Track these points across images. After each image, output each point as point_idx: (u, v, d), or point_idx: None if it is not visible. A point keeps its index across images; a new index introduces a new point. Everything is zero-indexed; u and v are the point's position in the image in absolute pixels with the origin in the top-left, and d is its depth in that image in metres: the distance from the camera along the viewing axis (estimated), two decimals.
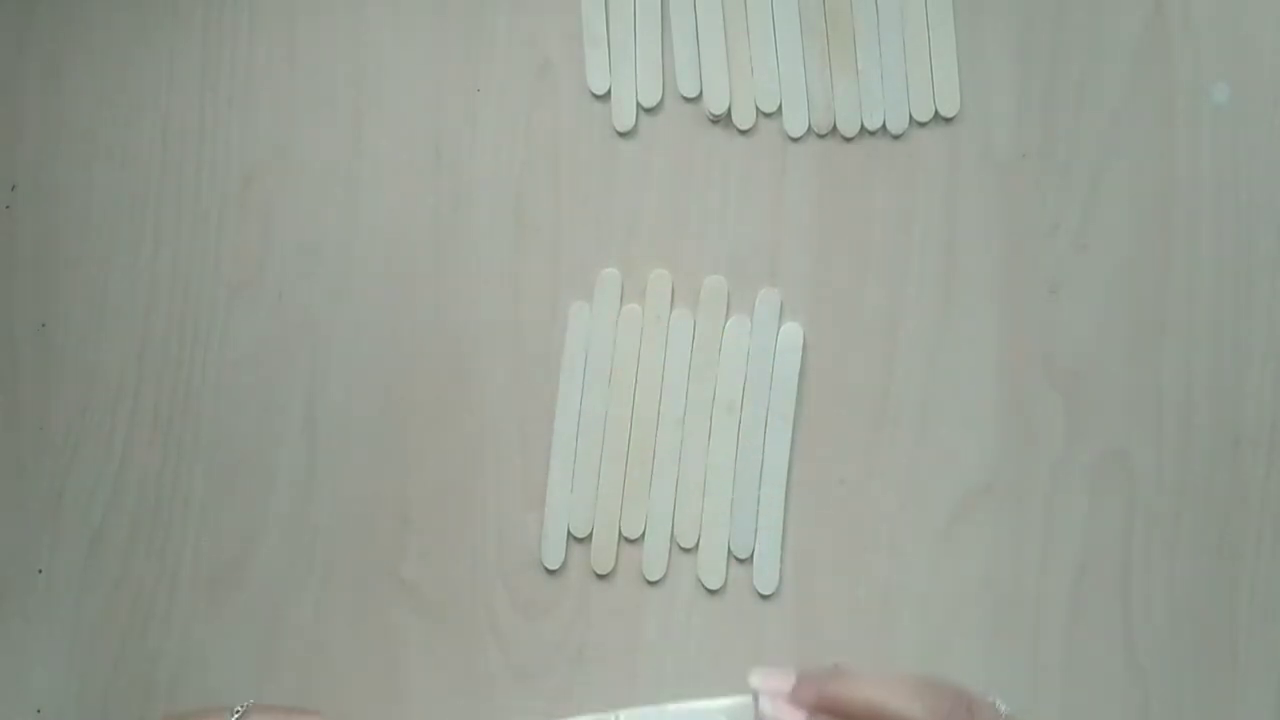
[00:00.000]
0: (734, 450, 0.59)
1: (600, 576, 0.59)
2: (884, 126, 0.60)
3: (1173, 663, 0.59)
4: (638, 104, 0.60)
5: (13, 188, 0.61)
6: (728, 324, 0.59)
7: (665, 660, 0.59)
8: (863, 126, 0.60)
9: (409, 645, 0.59)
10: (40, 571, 0.60)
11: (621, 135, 0.60)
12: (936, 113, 0.60)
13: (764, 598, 0.59)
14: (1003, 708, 0.48)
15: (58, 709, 0.59)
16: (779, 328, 0.59)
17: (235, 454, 0.60)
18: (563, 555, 0.59)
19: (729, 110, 0.60)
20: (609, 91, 0.60)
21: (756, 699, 0.47)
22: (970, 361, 0.60)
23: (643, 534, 0.59)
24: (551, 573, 0.59)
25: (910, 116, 0.60)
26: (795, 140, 0.60)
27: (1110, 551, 0.59)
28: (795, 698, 0.47)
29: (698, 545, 0.59)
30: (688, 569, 0.59)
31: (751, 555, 0.59)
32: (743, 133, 0.60)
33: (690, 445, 0.59)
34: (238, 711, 0.50)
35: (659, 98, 0.60)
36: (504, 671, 0.59)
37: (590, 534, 0.59)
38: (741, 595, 0.59)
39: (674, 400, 0.59)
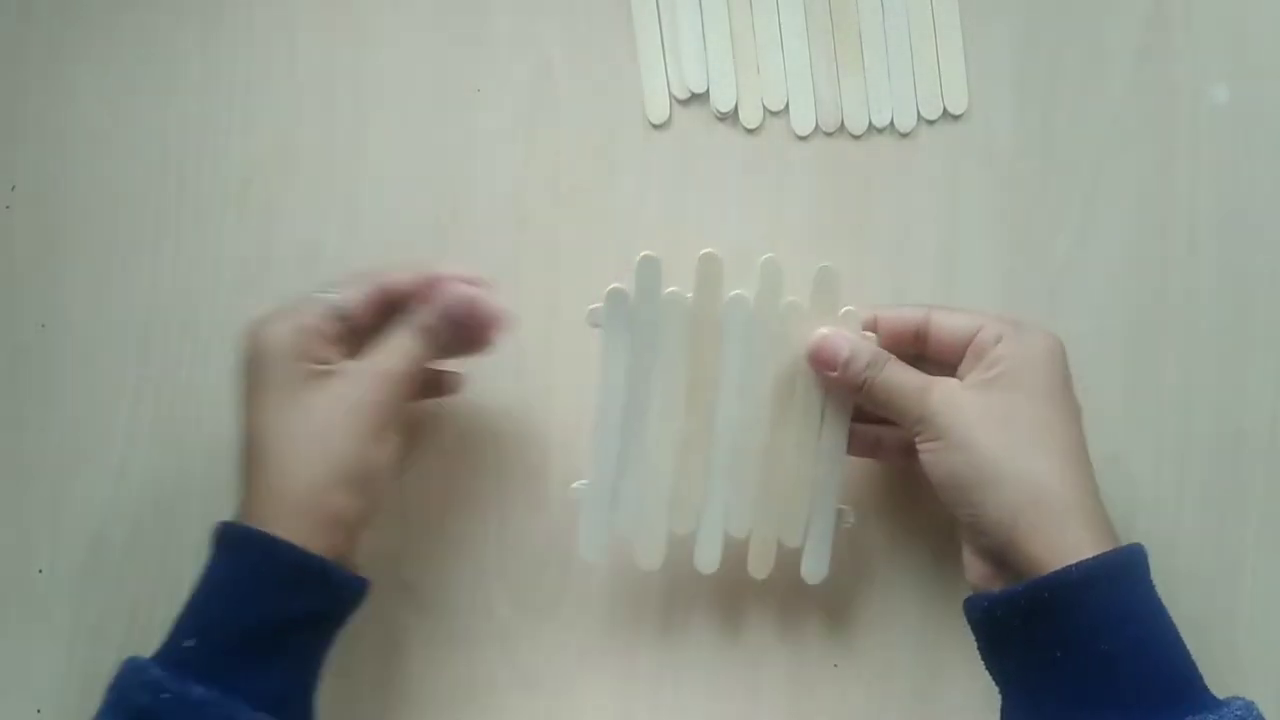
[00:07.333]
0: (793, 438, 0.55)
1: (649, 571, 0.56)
2: (891, 124, 0.60)
3: None
4: (641, 104, 0.60)
5: (13, 188, 0.61)
6: (783, 304, 0.54)
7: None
8: (870, 124, 0.60)
9: (409, 645, 0.59)
10: (40, 571, 0.60)
11: (624, 135, 0.60)
12: (945, 110, 0.60)
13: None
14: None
15: (58, 709, 0.59)
16: (838, 309, 0.55)
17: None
18: (605, 549, 0.56)
19: (735, 108, 0.60)
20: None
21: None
22: None
23: (694, 529, 0.56)
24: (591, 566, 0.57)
25: (918, 114, 0.60)
26: (802, 139, 0.60)
27: None
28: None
29: (749, 536, 0.56)
30: (737, 559, 0.56)
31: (802, 545, 0.56)
32: (749, 131, 0.60)
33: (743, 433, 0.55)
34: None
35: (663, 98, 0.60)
36: (505, 671, 0.59)
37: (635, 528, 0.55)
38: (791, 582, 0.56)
39: (724, 387, 0.54)
